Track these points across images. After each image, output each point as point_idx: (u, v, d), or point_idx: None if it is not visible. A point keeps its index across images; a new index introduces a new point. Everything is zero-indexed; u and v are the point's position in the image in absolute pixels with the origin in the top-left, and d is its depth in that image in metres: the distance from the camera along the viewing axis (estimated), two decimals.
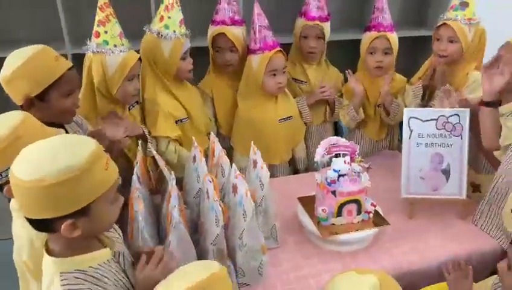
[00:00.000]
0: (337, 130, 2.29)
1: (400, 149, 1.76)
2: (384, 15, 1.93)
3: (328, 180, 1.43)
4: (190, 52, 1.81)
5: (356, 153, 1.50)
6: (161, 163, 1.50)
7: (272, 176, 2.03)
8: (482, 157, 1.67)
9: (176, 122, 1.85)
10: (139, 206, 1.23)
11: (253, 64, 1.88)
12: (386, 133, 2.17)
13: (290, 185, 1.85)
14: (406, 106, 1.99)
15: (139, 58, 1.61)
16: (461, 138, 1.56)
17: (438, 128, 1.57)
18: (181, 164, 1.79)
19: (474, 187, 1.67)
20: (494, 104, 1.44)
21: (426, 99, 1.94)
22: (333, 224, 1.47)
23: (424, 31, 2.59)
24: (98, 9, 1.51)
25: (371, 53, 1.98)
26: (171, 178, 1.37)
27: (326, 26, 2.01)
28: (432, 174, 1.59)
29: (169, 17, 1.66)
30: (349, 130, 2.20)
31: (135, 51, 1.65)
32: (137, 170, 1.44)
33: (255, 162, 1.52)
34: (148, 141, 1.75)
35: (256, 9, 1.83)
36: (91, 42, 1.54)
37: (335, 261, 1.42)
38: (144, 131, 1.73)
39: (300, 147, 2.12)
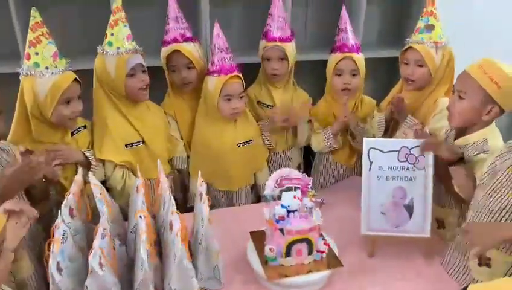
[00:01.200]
0: (306, 154, 2.17)
1: None
2: (348, 36, 1.84)
3: (276, 217, 1.30)
4: (149, 71, 1.71)
5: (309, 186, 1.38)
6: (96, 192, 1.37)
7: (231, 203, 1.94)
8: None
9: (126, 146, 1.73)
10: (56, 247, 1.10)
11: (209, 86, 1.77)
12: (357, 159, 2.06)
13: (246, 215, 1.71)
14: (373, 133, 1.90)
15: (77, 80, 1.50)
16: (425, 171, 1.45)
17: (399, 161, 1.46)
18: (127, 193, 1.66)
19: (439, 223, 1.55)
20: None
21: (390, 132, 1.84)
22: (282, 265, 1.34)
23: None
24: (29, 29, 1.40)
25: (338, 75, 1.88)
26: (102, 212, 1.25)
27: (289, 47, 1.90)
28: (394, 209, 1.47)
29: (112, 34, 1.56)
30: (317, 156, 2.09)
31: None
32: (71, 201, 1.31)
33: (200, 195, 1.39)
34: (92, 167, 1.62)
35: (216, 30, 1.72)
36: (23, 64, 1.43)
37: None
38: (86, 156, 1.61)
39: (264, 173, 1.99)
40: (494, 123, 1.42)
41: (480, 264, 1.28)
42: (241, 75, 1.76)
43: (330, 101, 1.96)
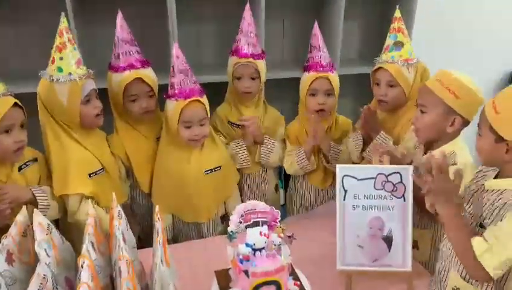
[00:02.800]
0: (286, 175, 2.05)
1: None
2: (323, 54, 1.74)
3: (240, 257, 1.17)
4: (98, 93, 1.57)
5: (277, 220, 1.25)
6: (38, 233, 1.21)
7: (200, 236, 1.79)
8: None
9: (90, 175, 1.58)
10: None
11: (168, 111, 1.64)
12: (332, 181, 1.94)
13: (214, 249, 1.56)
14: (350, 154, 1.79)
15: (17, 104, 1.35)
16: (404, 200, 1.33)
17: (376, 189, 1.34)
18: None
19: (413, 244, 1.44)
20: None
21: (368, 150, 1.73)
22: None
23: None
24: None
25: (312, 95, 1.78)
26: (42, 256, 1.10)
27: (261, 64, 1.79)
28: (372, 242, 1.35)
29: (61, 58, 1.41)
30: (291, 178, 1.97)
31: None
32: (8, 246, 1.16)
33: (157, 232, 1.25)
34: (42, 207, 1.46)
35: (175, 51, 1.58)
36: None
37: None
38: (34, 194, 1.45)
39: (234, 199, 1.86)
40: (460, 136, 1.38)
41: None
42: (202, 99, 1.62)
43: (304, 121, 1.86)
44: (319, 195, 1.94)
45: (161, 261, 1.15)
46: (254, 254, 1.18)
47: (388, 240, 1.34)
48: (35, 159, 1.52)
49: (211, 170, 1.72)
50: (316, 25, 1.75)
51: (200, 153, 1.72)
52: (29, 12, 2.00)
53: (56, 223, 1.57)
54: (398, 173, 1.33)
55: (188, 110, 1.60)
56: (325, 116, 1.81)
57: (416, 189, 1.30)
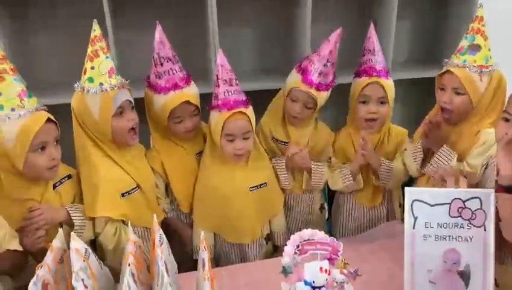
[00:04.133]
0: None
1: (402, 218, 1.32)
2: (377, 58, 1.57)
3: None
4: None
5: (339, 253, 1.10)
6: (75, 261, 1.11)
7: (244, 257, 1.65)
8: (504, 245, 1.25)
9: (123, 194, 1.47)
10: None
11: (212, 123, 1.52)
12: (382, 199, 1.77)
13: (260, 274, 1.42)
14: (406, 168, 1.62)
15: (50, 120, 1.25)
16: (485, 229, 1.15)
17: (451, 216, 1.16)
18: (121, 250, 1.39)
19: (496, 282, 1.25)
20: None
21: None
22: None
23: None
24: None
25: (363, 102, 1.61)
26: None
27: (322, 96, 1.59)
28: (446, 277, 1.17)
29: (92, 68, 1.31)
30: (336, 196, 1.81)
31: None
32: (43, 277, 1.06)
33: (203, 264, 1.11)
34: (77, 228, 1.37)
35: (219, 59, 1.45)
36: None
37: None
38: (69, 213, 1.36)
39: (279, 219, 1.71)
40: None
41: None
42: (248, 111, 1.49)
43: (352, 132, 1.70)
44: (367, 214, 1.78)
45: None
46: None
47: (465, 276, 1.16)
48: (69, 176, 1.42)
49: (256, 186, 1.59)
50: (372, 26, 1.58)
51: (244, 168, 1.58)
52: (66, 19, 1.91)
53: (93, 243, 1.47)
54: (477, 198, 1.15)
55: (231, 123, 1.47)
56: (376, 126, 1.65)
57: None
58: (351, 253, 1.55)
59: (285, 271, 1.08)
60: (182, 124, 1.55)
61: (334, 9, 2.15)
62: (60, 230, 1.22)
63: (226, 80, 1.47)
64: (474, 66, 1.42)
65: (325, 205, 1.88)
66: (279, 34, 2.10)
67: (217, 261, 1.67)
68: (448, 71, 1.46)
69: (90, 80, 1.32)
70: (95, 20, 1.35)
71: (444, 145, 1.48)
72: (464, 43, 1.47)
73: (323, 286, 1.04)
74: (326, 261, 1.06)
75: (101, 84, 1.32)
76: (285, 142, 1.71)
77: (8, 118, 1.16)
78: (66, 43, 1.90)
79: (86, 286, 1.08)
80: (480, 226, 1.15)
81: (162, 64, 1.47)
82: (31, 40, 1.92)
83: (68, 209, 1.36)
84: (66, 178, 1.41)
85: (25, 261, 1.27)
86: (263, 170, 1.63)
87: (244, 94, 1.52)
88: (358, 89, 1.61)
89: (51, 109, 1.32)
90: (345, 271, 1.06)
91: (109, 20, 1.71)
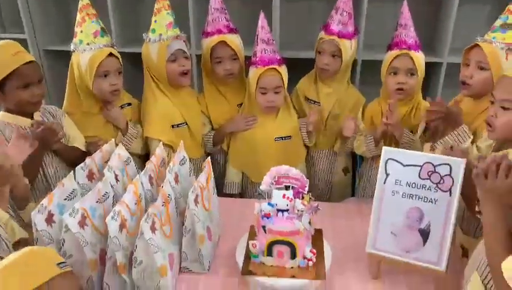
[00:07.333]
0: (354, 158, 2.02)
1: None
2: (408, 32, 1.65)
3: (262, 214, 1.26)
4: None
5: (305, 188, 1.30)
6: (113, 161, 1.43)
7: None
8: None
9: (172, 126, 1.84)
10: None
11: (249, 77, 1.78)
12: None
13: None
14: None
15: (112, 54, 1.63)
16: (450, 195, 1.23)
17: (421, 178, 1.26)
18: None
19: (464, 251, 1.31)
20: None
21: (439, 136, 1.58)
22: (263, 263, 1.29)
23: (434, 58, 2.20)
24: (78, 11, 1.58)
25: (393, 73, 1.70)
26: (105, 178, 1.33)
27: (346, 44, 1.77)
28: (406, 232, 1.28)
29: (155, 21, 1.67)
30: (363, 161, 1.93)
31: None
32: (90, 163, 1.42)
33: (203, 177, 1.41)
34: (128, 135, 1.75)
35: (261, 21, 1.71)
36: (72, 42, 1.63)
37: None
38: (129, 125, 1.75)
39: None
40: None
41: None
42: (281, 69, 1.71)
43: (382, 103, 1.79)
44: None
45: (195, 201, 1.31)
46: (277, 215, 1.26)
47: (425, 234, 1.26)
48: (130, 104, 1.83)
49: (282, 138, 1.82)
50: (405, 3, 1.65)
51: (274, 120, 1.83)
52: None
53: None
54: (448, 164, 1.22)
55: (264, 77, 1.71)
56: (405, 97, 1.71)
57: (467, 189, 1.19)
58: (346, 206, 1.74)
59: (260, 196, 1.32)
60: (222, 65, 1.82)
61: None
62: (113, 139, 1.62)
63: (264, 40, 1.72)
64: (502, 42, 1.42)
65: (349, 170, 2.01)
66: None
67: (242, 196, 1.96)
68: (476, 45, 1.48)
69: (153, 31, 1.70)
70: None
71: (464, 125, 1.51)
72: (498, 22, 1.48)
73: (286, 210, 1.26)
74: (291, 191, 1.28)
75: (160, 35, 1.68)
76: (315, 101, 1.90)
77: (84, 50, 1.59)
78: None
79: (117, 180, 1.43)
80: (446, 191, 1.23)
81: (211, 13, 1.80)
82: None
83: (127, 121, 1.76)
84: (127, 105, 1.82)
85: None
86: (290, 124, 1.85)
87: (279, 54, 1.74)
88: (388, 60, 1.70)
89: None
90: (306, 203, 1.26)
91: None
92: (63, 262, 0.89)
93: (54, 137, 1.44)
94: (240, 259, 1.31)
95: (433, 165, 1.24)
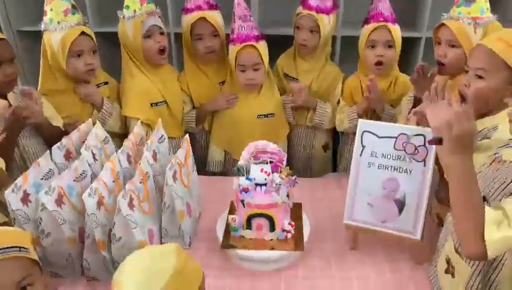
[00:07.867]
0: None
1: None
2: (384, 4, 1.65)
3: (241, 188, 1.27)
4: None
5: (283, 162, 1.31)
6: (89, 140, 1.43)
7: None
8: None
9: (151, 105, 1.82)
10: None
11: (229, 54, 1.76)
12: None
13: None
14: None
15: (85, 33, 1.60)
16: (424, 165, 1.25)
17: (396, 149, 1.28)
18: None
19: (440, 220, 1.34)
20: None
21: None
22: (242, 236, 1.31)
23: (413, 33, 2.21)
24: None
25: (371, 47, 1.70)
26: (82, 157, 1.32)
27: (324, 19, 1.76)
28: (383, 202, 1.31)
29: None
30: (344, 137, 1.95)
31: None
32: (67, 143, 1.41)
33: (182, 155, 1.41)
34: (103, 111, 1.73)
35: None
36: (42, 21, 1.59)
37: (234, 278, 1.27)
38: (104, 102, 1.73)
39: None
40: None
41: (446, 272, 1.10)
42: (258, 45, 1.70)
43: (361, 77, 1.79)
44: None
45: (173, 177, 1.31)
46: (255, 189, 1.27)
47: (400, 204, 1.29)
48: (106, 83, 1.80)
49: (264, 115, 1.83)
50: None
51: (256, 97, 1.83)
52: None
53: None
54: (422, 135, 1.24)
55: (242, 54, 1.70)
56: (384, 71, 1.72)
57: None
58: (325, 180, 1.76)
59: (239, 171, 1.33)
60: (202, 42, 1.79)
61: None
62: (90, 119, 1.60)
63: (240, 16, 1.70)
64: (467, 17, 1.43)
65: (330, 146, 2.02)
66: None
67: (225, 175, 1.96)
68: (443, 24, 1.49)
69: (127, 7, 1.66)
70: None
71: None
72: None
73: (264, 184, 1.27)
74: (269, 165, 1.29)
75: (134, 11, 1.65)
76: (294, 78, 1.90)
77: (55, 29, 1.55)
78: None
79: (95, 159, 1.41)
80: (420, 161, 1.25)
81: None
82: None
83: (104, 99, 1.73)
84: (103, 84, 1.79)
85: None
86: (272, 102, 1.85)
87: (257, 30, 1.73)
88: (366, 34, 1.69)
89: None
90: (283, 176, 1.27)
91: None
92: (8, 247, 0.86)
93: (19, 122, 1.40)
94: (220, 233, 1.33)
95: (407, 135, 1.26)
